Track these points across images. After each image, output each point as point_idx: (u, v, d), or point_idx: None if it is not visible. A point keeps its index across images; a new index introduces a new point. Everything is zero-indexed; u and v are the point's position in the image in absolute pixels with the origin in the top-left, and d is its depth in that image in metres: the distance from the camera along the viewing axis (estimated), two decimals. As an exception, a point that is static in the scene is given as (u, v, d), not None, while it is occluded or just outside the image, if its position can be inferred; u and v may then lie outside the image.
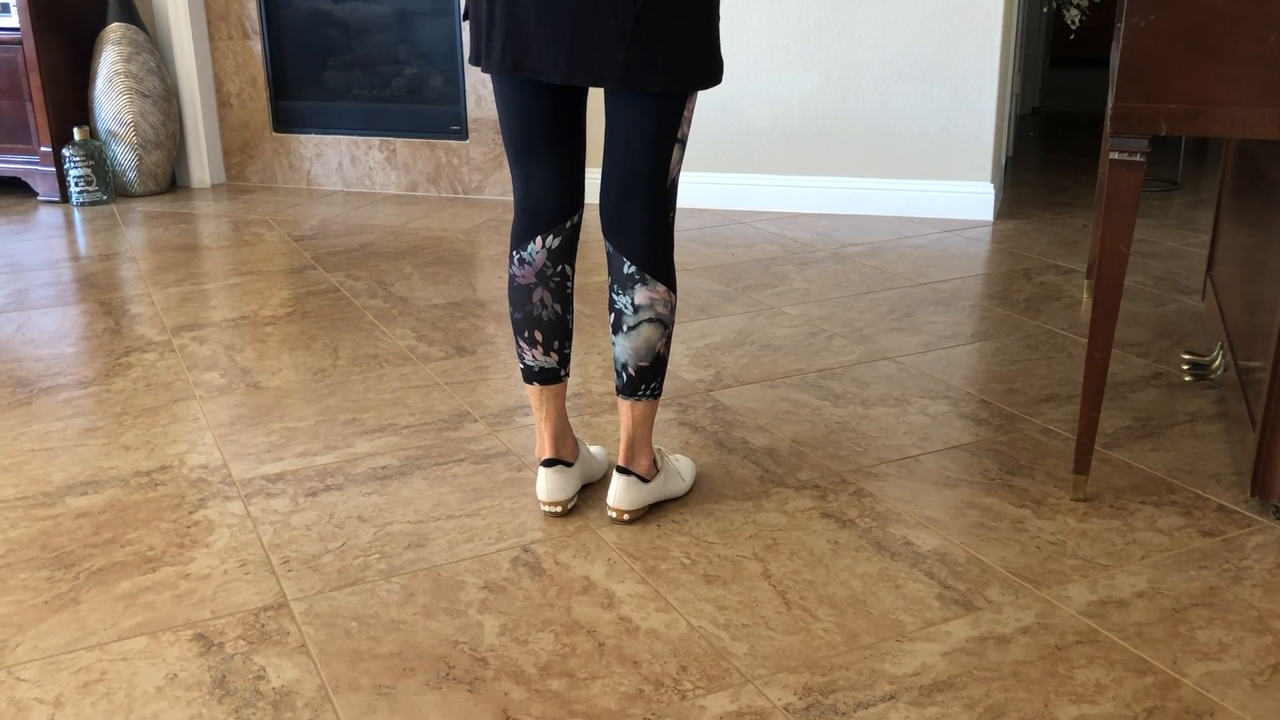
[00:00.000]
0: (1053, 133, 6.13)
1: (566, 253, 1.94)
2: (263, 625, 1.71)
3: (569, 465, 2.02)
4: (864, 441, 2.31)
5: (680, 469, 2.10)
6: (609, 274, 1.93)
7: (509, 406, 2.50)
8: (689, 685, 1.56)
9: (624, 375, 1.95)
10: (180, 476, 2.20)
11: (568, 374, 2.01)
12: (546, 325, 1.96)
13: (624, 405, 1.97)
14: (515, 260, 1.95)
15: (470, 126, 4.60)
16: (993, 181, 4.12)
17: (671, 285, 1.91)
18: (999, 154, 4.34)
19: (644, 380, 1.95)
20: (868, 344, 2.87)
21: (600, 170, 1.92)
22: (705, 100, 4.29)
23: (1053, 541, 1.92)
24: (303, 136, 4.87)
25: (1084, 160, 5.31)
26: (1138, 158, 1.85)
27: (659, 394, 1.97)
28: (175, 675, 1.60)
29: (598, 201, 1.93)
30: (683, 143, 1.86)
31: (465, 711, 1.51)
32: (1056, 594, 1.76)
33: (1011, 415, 2.43)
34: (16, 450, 2.33)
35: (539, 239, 1.92)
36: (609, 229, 1.90)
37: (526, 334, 1.96)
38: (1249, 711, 1.49)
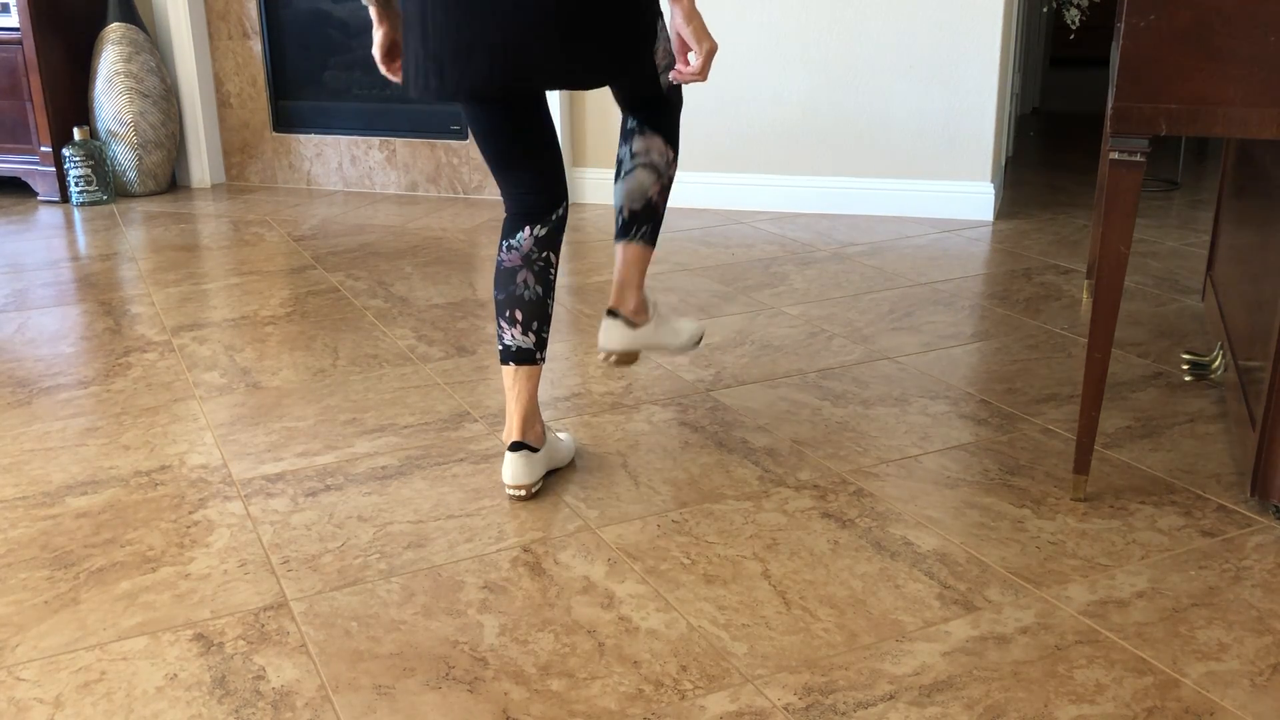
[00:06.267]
0: (1053, 133, 6.13)
1: (552, 241, 2.07)
2: (263, 625, 1.71)
3: (535, 451, 2.08)
4: (864, 441, 2.31)
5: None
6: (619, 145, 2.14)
7: (509, 406, 2.50)
8: (689, 685, 1.56)
9: (620, 218, 2.10)
10: (180, 476, 2.20)
11: (543, 359, 2.08)
12: (527, 305, 2.04)
13: (618, 248, 2.13)
14: (504, 248, 2.07)
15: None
16: (993, 181, 4.12)
17: (671, 144, 2.07)
18: (999, 154, 4.34)
19: (636, 222, 2.09)
20: (868, 344, 2.87)
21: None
22: (705, 100, 4.29)
23: (1053, 541, 1.92)
24: (303, 136, 4.87)
25: (1084, 160, 5.31)
26: (1138, 158, 1.85)
27: (652, 242, 2.13)
28: (175, 675, 1.60)
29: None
30: (663, 68, 2.05)
31: (465, 711, 1.51)
32: (1056, 594, 1.76)
33: (1011, 415, 2.43)
34: (16, 450, 2.33)
35: (528, 229, 2.05)
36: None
37: (508, 314, 2.05)
38: (1249, 711, 1.49)
